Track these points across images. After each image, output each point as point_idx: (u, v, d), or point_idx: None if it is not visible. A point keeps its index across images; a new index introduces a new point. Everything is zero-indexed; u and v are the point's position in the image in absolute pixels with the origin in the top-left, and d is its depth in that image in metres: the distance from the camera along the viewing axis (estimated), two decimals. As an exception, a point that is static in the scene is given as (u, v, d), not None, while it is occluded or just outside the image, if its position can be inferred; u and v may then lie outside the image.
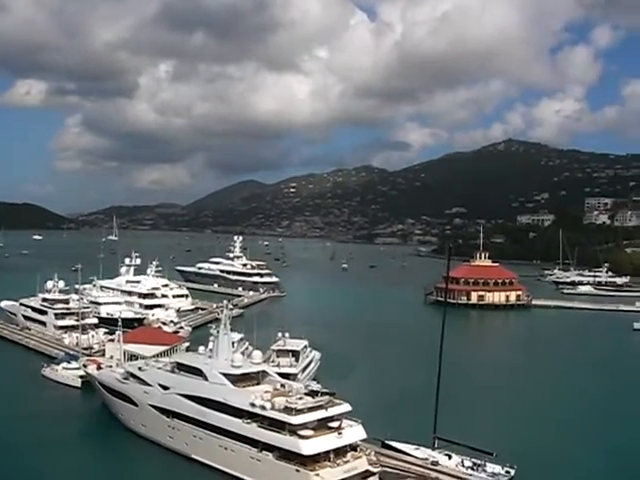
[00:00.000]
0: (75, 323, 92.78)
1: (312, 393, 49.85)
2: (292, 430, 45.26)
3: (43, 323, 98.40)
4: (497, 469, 47.55)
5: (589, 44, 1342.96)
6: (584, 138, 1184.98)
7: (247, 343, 74.76)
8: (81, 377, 70.06)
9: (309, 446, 44.41)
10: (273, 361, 69.49)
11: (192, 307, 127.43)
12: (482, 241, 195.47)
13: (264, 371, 55.70)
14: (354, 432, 47.31)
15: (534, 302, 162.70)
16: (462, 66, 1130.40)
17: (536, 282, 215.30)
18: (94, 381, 64.45)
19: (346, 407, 48.27)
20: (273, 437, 45.72)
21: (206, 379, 53.29)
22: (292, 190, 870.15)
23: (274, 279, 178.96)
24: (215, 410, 50.11)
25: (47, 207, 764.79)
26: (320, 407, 47.08)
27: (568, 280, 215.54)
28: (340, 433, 46.32)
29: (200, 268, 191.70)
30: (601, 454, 55.41)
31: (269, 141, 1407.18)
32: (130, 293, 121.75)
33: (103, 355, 78.25)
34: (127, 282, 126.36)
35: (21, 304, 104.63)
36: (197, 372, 54.38)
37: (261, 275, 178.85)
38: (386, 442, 51.46)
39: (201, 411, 51.04)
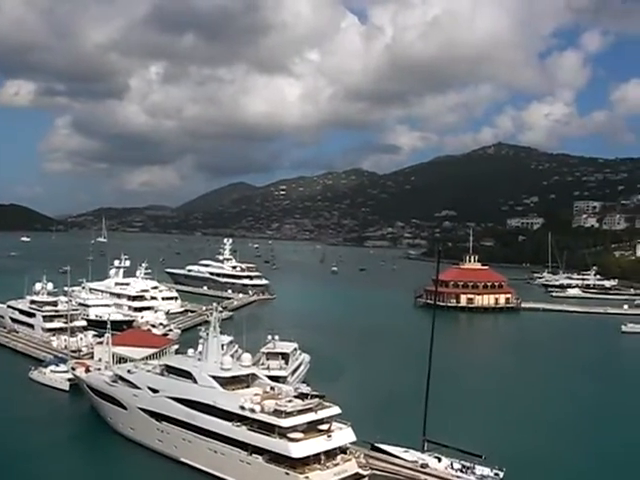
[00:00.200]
0: (63, 325, 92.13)
1: (302, 396, 49.78)
2: (282, 433, 45.13)
3: (31, 326, 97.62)
4: (486, 471, 47.64)
5: (578, 49, 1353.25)
6: (573, 142, 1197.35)
7: (237, 346, 74.71)
8: (69, 380, 69.61)
9: (299, 449, 44.33)
10: (263, 364, 69.35)
11: (181, 309, 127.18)
12: (472, 244, 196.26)
13: (253, 374, 55.56)
14: (344, 435, 47.27)
15: (523, 305, 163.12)
16: (452, 70, 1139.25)
17: (525, 285, 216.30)
18: (82, 384, 64.08)
19: (336, 410, 48.21)
20: (263, 440, 45.61)
21: (195, 382, 53.05)
22: (282, 193, 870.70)
23: (264, 282, 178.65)
24: (204, 413, 49.92)
25: (35, 208, 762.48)
26: (310, 410, 47.00)
27: (557, 283, 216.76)
28: (330, 436, 46.27)
29: (190, 270, 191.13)
30: (590, 456, 55.66)
31: (259, 143, 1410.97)
32: (119, 295, 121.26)
33: (92, 358, 77.64)
34: (116, 284, 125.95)
35: (9, 306, 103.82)
36: (186, 375, 54.13)
37: (251, 278, 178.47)
38: (376, 445, 51.42)
39: (190, 414, 50.83)
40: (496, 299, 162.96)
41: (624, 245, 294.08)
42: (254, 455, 45.98)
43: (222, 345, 61.50)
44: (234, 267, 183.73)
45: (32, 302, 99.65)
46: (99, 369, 65.98)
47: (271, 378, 58.33)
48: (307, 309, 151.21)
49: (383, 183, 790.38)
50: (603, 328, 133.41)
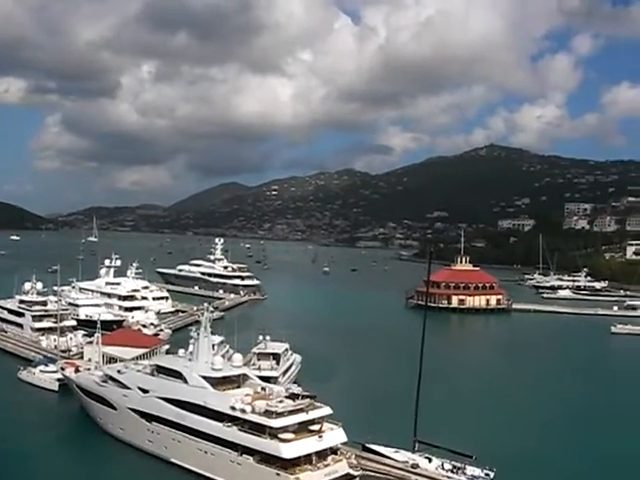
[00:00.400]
0: (53, 325, 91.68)
1: (293, 396, 49.71)
2: (273, 433, 45.02)
3: (20, 325, 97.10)
4: (477, 472, 47.71)
5: (570, 52, 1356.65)
6: (565, 144, 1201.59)
7: (228, 346, 74.62)
8: (59, 380, 69.21)
9: (290, 449, 44.24)
10: (254, 364, 69.30)
11: (172, 309, 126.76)
12: (463, 245, 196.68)
13: (245, 374, 55.41)
14: (335, 435, 47.23)
15: (514, 306, 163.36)
16: (445, 71, 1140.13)
17: (516, 286, 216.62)
18: (72, 384, 63.75)
19: (327, 410, 48.14)
20: (253, 440, 45.47)
21: (186, 382, 52.86)
22: (274, 193, 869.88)
23: (255, 282, 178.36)
24: (195, 413, 49.74)
25: (25, 207, 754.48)
26: (301, 410, 46.91)
27: (548, 284, 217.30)
28: (321, 436, 46.20)
29: (181, 270, 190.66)
30: (580, 456, 55.80)
31: (251, 143, 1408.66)
32: (110, 295, 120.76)
33: (81, 358, 77.36)
34: (107, 284, 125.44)
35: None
36: (177, 375, 53.94)
37: (242, 278, 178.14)
38: (367, 445, 51.40)
39: (181, 414, 50.62)
40: (487, 300, 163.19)
41: (614, 247, 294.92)
42: (245, 456, 45.84)
43: (213, 345, 61.31)
44: (225, 267, 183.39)
45: (21, 302, 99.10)
46: (89, 369, 65.68)
47: (262, 378, 58.25)
48: (298, 309, 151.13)
49: (375, 184, 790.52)
50: (593, 329, 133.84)
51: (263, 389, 52.28)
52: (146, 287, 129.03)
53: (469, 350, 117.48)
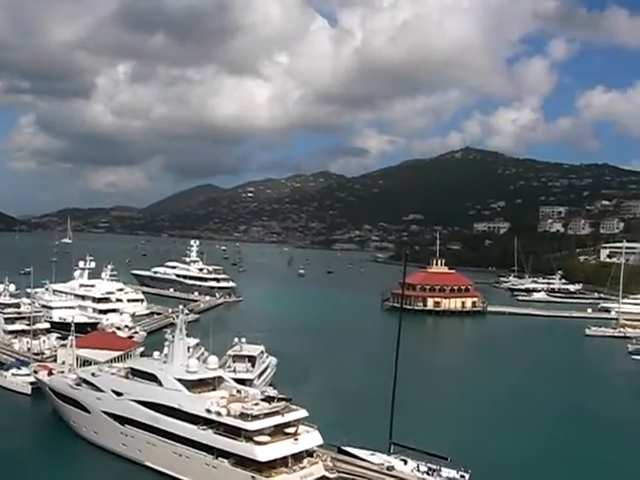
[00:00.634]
0: (26, 328, 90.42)
1: (268, 399, 49.66)
2: (248, 436, 44.85)
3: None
4: (452, 473, 47.88)
5: (545, 56, 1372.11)
6: (539, 148, 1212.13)
7: (203, 348, 74.25)
8: (31, 383, 68.35)
9: (265, 452, 44.10)
10: (229, 367, 69.07)
11: (147, 312, 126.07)
12: (439, 248, 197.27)
13: (220, 377, 55.16)
14: (310, 438, 47.18)
15: (489, 308, 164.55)
16: (421, 74, 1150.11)
17: (491, 289, 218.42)
18: (45, 387, 63.05)
19: (302, 413, 48.11)
20: (229, 443, 45.25)
21: (161, 385, 52.51)
22: (250, 195, 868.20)
23: (231, 284, 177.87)
24: (170, 416, 49.34)
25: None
26: (276, 413, 46.80)
27: (523, 287, 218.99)
28: (296, 439, 46.11)
29: (156, 272, 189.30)
30: (553, 456, 56.19)
31: (227, 145, 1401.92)
32: (84, 297, 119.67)
33: (55, 361, 76.53)
34: (81, 286, 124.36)
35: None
36: (152, 378, 53.56)
37: (218, 280, 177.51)
38: (342, 448, 51.33)
39: (155, 417, 50.23)
40: (463, 303, 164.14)
41: (588, 250, 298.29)
42: (220, 459, 45.61)
43: (188, 348, 60.90)
44: (201, 269, 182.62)
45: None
46: (62, 372, 64.94)
47: (238, 381, 58.11)
48: (274, 312, 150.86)
49: (351, 186, 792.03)
50: (568, 331, 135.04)
51: (239, 392, 52.07)
52: (121, 289, 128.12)
53: (444, 352, 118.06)
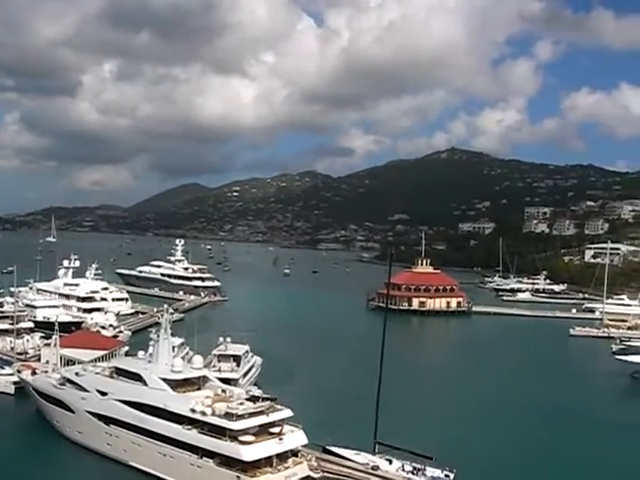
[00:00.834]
0: (9, 327, 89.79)
1: (253, 398, 49.65)
2: (233, 436, 44.82)
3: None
4: (437, 473, 48.03)
5: (531, 57, 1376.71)
6: (525, 148, 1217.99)
7: (188, 348, 74.09)
8: (15, 383, 67.86)
9: (250, 452, 44.07)
10: (214, 366, 68.95)
11: (132, 311, 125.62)
12: (424, 248, 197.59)
13: (205, 376, 55.08)
14: (295, 438, 47.20)
15: (474, 309, 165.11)
16: (407, 74, 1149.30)
17: (476, 289, 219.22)
18: (28, 387, 62.65)
19: (287, 413, 48.14)
20: (214, 443, 45.18)
21: (145, 384, 52.36)
22: (235, 194, 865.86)
23: (216, 283, 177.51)
24: (155, 416, 49.19)
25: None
26: (261, 413, 46.78)
27: (507, 287, 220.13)
28: (281, 439, 46.12)
29: (141, 271, 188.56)
30: (538, 455, 56.59)
31: (213, 144, 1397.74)
32: (68, 296, 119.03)
33: (39, 360, 76.11)
34: (65, 285, 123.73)
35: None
36: (136, 377, 53.42)
37: (203, 279, 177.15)
38: (327, 447, 51.40)
39: (140, 417, 50.05)
40: (448, 303, 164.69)
41: (573, 250, 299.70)
42: (205, 458, 45.54)
43: (173, 347, 60.85)
44: (186, 268, 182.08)
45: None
46: (46, 372, 64.64)
47: (222, 381, 58.03)
48: (259, 311, 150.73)
49: (337, 186, 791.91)
50: (552, 331, 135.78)
51: (223, 391, 52.04)
52: (105, 288, 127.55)
53: (429, 352, 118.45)
